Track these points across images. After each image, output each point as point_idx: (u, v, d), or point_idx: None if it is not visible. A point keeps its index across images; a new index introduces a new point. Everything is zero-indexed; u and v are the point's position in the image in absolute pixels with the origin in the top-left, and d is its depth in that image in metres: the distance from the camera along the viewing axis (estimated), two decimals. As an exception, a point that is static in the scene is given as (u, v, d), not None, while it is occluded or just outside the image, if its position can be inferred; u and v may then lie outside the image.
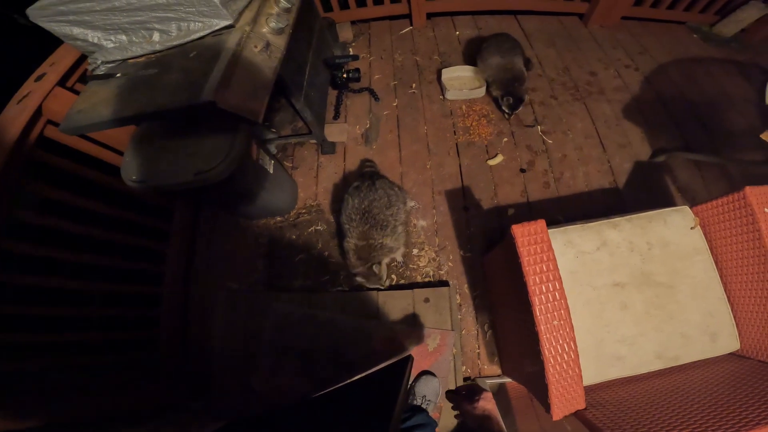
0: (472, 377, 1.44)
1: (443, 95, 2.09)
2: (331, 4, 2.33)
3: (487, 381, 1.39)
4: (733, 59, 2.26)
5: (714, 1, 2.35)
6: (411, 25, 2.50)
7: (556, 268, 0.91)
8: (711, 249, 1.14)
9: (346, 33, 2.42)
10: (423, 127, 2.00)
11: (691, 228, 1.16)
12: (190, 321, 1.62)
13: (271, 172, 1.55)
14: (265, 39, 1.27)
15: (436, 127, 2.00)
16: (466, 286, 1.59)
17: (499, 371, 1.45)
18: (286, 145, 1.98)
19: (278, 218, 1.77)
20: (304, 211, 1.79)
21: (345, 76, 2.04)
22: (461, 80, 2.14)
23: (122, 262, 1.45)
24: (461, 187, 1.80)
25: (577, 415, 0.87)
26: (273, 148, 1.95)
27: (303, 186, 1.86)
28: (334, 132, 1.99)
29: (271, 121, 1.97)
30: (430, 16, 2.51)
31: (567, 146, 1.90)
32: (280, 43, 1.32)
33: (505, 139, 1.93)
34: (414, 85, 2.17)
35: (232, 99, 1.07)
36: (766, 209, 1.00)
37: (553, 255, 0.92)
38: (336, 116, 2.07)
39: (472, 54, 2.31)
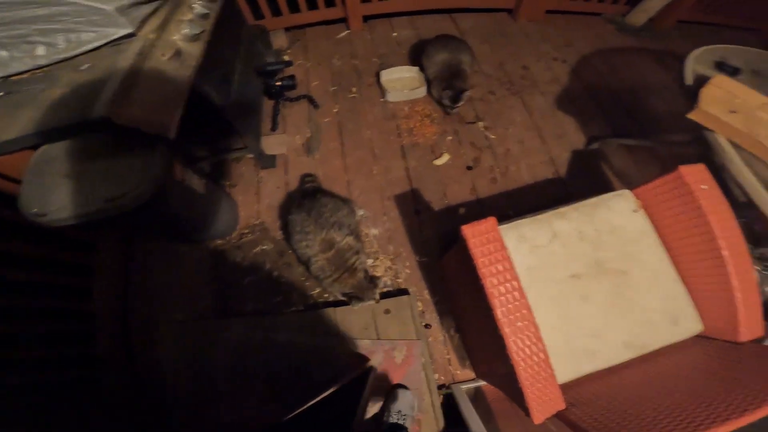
0: (446, 384, 1.40)
1: (384, 97, 2.05)
2: (262, 12, 2.21)
3: (463, 387, 1.35)
4: (647, 47, 2.45)
5: (622, -10, 2.52)
6: (348, 28, 2.44)
7: (512, 266, 0.88)
8: (657, 230, 1.16)
9: (280, 40, 2.31)
10: (366, 132, 1.94)
11: (634, 211, 1.18)
12: (135, 356, 1.44)
13: (203, 192, 1.41)
14: (176, 46, 1.15)
15: (379, 130, 1.95)
16: (426, 291, 1.54)
17: (473, 375, 1.41)
18: (221, 162, 1.83)
19: (219, 241, 1.62)
20: (247, 231, 1.65)
21: (279, 83, 1.93)
22: (401, 81, 2.11)
23: (45, 301, 1.27)
24: (410, 190, 1.76)
25: (559, 416, 0.85)
26: (205, 167, 1.79)
27: (243, 204, 1.72)
28: (272, 144, 1.87)
29: (200, 137, 1.81)
30: (366, 18, 2.46)
31: (509, 140, 1.93)
32: (194, 50, 1.20)
33: (450, 138, 1.92)
34: (354, 89, 2.11)
35: (134, 113, 0.95)
36: (702, 186, 1.02)
37: (507, 253, 0.89)
38: (274, 127, 1.95)
39: (411, 54, 2.30)
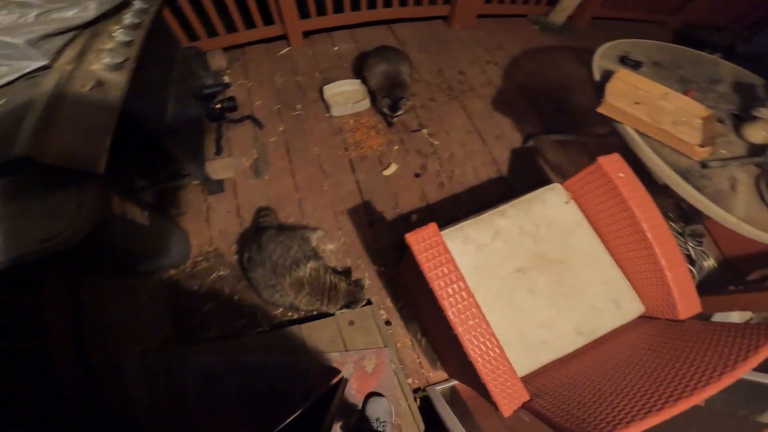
0: (421, 387, 1.43)
1: (329, 112, 2.07)
2: (197, 33, 2.16)
3: (437, 388, 1.38)
4: (568, 45, 2.65)
5: (543, -10, 2.71)
6: (288, 45, 2.43)
7: (456, 268, 0.91)
8: (588, 219, 1.23)
9: (218, 61, 2.25)
10: (314, 149, 1.95)
11: (566, 203, 1.25)
12: (102, 390, 1.38)
13: (147, 223, 1.38)
14: (97, 77, 1.09)
15: (327, 146, 1.96)
16: (388, 299, 1.58)
17: (446, 375, 1.45)
18: (166, 191, 1.76)
19: (173, 271, 1.58)
20: (200, 258, 1.61)
21: (219, 106, 1.89)
22: (344, 95, 2.14)
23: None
24: (362, 202, 1.79)
25: (526, 407, 0.86)
26: (148, 197, 1.72)
27: (194, 232, 1.67)
28: (218, 168, 1.83)
29: (138, 167, 1.73)
30: (307, 34, 2.47)
31: (452, 145, 2.01)
32: (118, 79, 1.14)
33: (396, 147, 1.97)
34: (298, 107, 2.11)
35: (57, 149, 0.90)
36: (620, 174, 1.08)
37: (451, 256, 0.93)
38: (218, 151, 1.91)
39: (353, 67, 2.34)
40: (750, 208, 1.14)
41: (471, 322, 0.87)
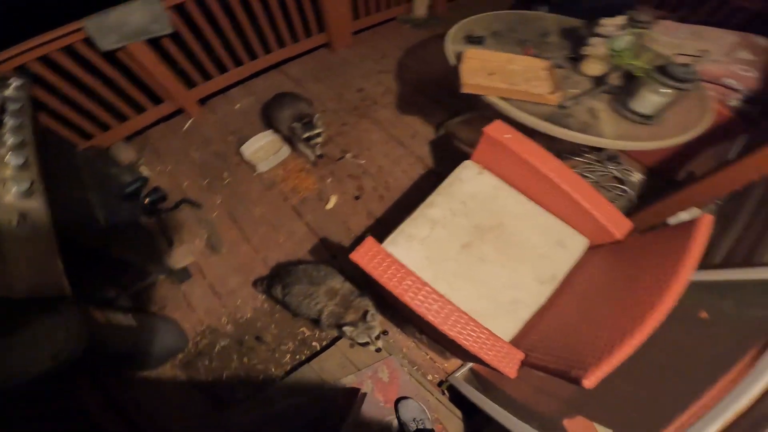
0: (444, 379, 1.53)
1: (256, 171, 2.14)
2: (87, 131, 2.08)
3: (457, 375, 1.46)
4: (438, 34, 2.88)
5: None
6: (190, 117, 2.42)
7: (403, 266, 1.00)
8: (505, 181, 1.37)
9: (126, 153, 2.19)
10: (256, 209, 2.03)
11: (479, 174, 1.40)
12: None
13: (135, 324, 1.43)
14: (17, 209, 1.09)
15: (267, 202, 2.04)
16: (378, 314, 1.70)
17: (460, 362, 1.53)
18: (139, 293, 1.77)
19: (180, 355, 1.65)
20: (199, 338, 1.69)
21: (147, 201, 1.88)
22: (263, 149, 2.21)
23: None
24: (319, 240, 1.91)
25: (525, 363, 0.90)
26: (124, 302, 1.70)
27: (183, 319, 1.72)
28: (177, 258, 1.86)
29: (103, 279, 1.71)
30: (204, 101, 2.48)
31: (377, 158, 2.19)
32: (37, 205, 1.13)
33: (329, 180, 2.11)
34: (225, 174, 2.16)
35: (21, 284, 0.96)
36: (507, 135, 1.23)
37: (394, 258, 1.02)
38: (170, 242, 1.93)
39: (261, 118, 2.39)
40: (618, 127, 1.29)
41: (435, 306, 0.93)
